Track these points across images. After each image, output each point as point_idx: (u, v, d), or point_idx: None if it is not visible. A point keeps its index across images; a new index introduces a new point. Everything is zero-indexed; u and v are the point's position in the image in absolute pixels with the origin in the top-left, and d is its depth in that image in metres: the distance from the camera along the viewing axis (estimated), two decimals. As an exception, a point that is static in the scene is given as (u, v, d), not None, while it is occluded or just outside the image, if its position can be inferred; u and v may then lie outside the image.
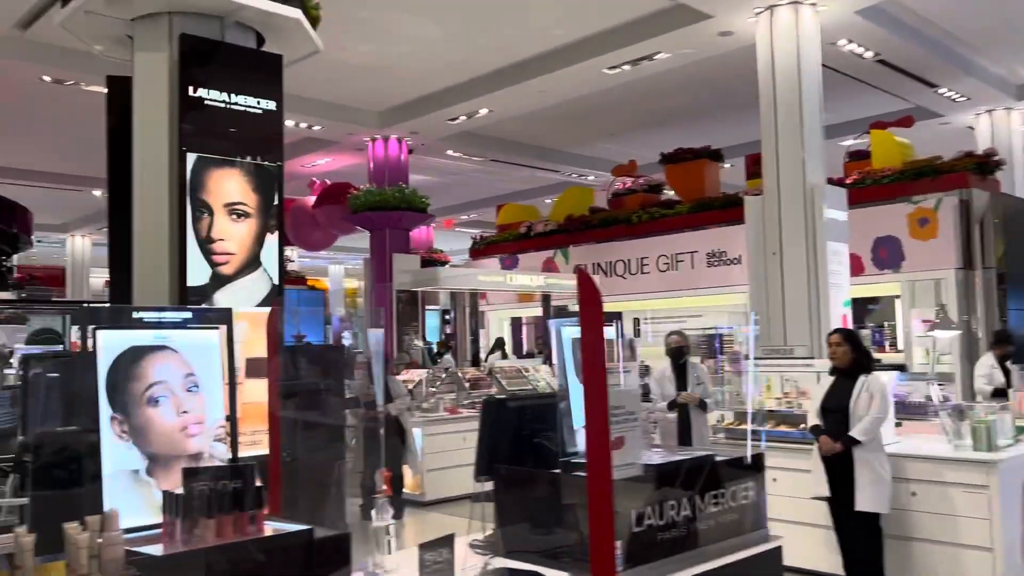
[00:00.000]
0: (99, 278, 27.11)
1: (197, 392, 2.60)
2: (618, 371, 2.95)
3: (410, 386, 10.02)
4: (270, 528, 2.37)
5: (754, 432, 6.09)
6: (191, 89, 4.86)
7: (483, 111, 12.99)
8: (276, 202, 5.19)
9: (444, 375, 10.80)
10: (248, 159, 5.05)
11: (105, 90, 10.91)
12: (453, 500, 8.91)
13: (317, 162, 16.14)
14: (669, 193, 13.38)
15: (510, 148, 16.00)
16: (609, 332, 2.97)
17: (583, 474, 3.18)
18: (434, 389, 10.32)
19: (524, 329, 18.99)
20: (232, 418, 2.67)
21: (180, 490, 2.39)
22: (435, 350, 16.79)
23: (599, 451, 2.38)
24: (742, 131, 14.20)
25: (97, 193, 18.21)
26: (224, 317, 2.81)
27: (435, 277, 10.74)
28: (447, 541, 3.21)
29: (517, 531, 3.23)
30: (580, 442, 3.50)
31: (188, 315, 2.79)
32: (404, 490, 9.07)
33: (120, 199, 5.14)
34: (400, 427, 9.02)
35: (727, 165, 13.50)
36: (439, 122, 13.61)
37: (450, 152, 15.62)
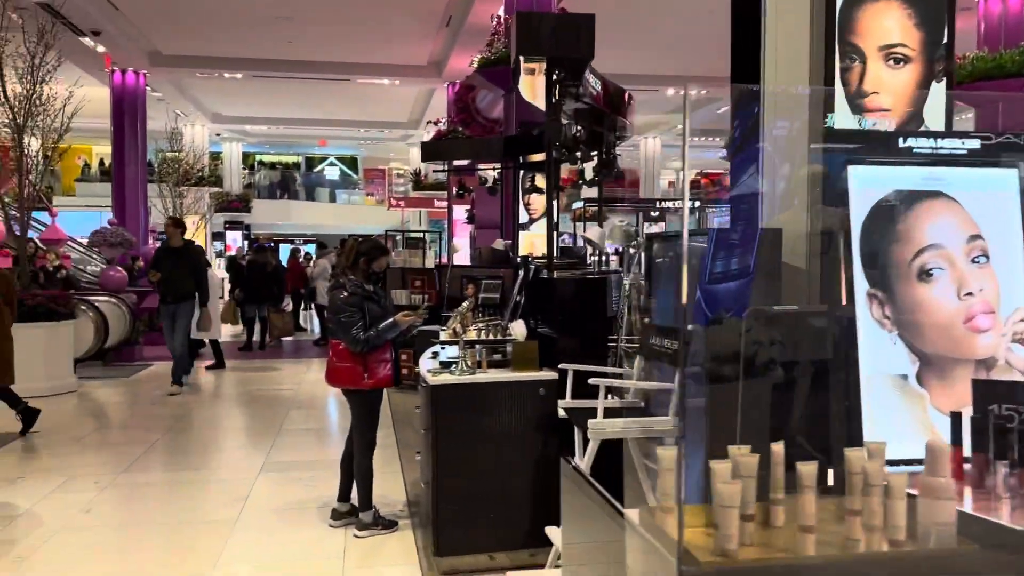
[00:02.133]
0: (665, 180, 28.49)
1: (986, 265, 1.69)
2: None
3: None
4: None
5: None
6: (843, -99, 3.84)
7: None
8: (945, 40, 3.95)
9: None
10: (915, -15, 3.88)
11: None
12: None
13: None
14: None
15: None
16: None
17: None
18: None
19: None
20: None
21: (971, 413, 1.52)
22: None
23: None
24: None
25: (670, 91, 18.62)
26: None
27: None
28: None
29: None
30: None
31: (975, 144, 1.87)
32: None
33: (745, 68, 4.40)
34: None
35: None
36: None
37: (1101, -5, 12.01)
